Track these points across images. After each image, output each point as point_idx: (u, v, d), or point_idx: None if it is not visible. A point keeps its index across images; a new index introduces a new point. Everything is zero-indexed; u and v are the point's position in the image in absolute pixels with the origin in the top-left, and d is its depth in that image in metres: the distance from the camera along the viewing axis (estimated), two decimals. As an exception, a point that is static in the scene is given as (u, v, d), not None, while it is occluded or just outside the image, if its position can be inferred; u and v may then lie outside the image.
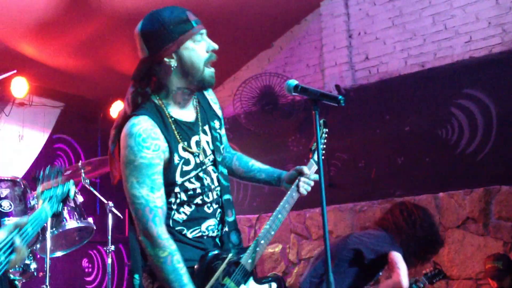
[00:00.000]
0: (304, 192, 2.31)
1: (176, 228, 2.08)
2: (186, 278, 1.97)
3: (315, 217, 5.99)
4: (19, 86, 5.37)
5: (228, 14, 5.69)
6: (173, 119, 2.09)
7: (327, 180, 6.03)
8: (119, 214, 4.41)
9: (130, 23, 5.34)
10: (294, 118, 6.11)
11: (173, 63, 2.03)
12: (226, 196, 2.20)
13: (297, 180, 2.30)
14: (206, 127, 2.20)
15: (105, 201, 4.39)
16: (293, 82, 2.22)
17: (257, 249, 2.18)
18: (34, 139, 5.79)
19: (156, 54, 2.02)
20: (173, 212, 2.08)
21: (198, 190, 2.10)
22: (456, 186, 5.24)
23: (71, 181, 2.46)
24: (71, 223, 3.98)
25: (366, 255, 3.53)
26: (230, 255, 2.10)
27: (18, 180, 3.95)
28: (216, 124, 2.26)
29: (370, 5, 6.06)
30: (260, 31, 6.31)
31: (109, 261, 4.34)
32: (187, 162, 2.09)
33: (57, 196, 2.32)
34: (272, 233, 2.22)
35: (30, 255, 3.67)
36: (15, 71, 5.23)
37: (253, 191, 6.27)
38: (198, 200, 2.10)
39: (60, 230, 3.94)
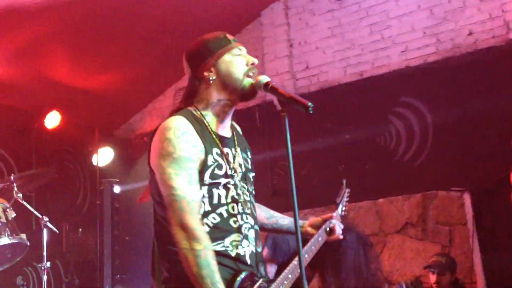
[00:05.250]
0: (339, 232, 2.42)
1: None
2: (218, 276, 1.90)
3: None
4: None
5: (171, 22, 5.61)
6: (210, 127, 2.10)
7: (271, 188, 6.04)
8: (54, 229, 4.24)
9: (65, 31, 5.25)
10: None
11: (212, 76, 2.08)
12: (256, 227, 2.16)
13: (328, 223, 2.41)
14: (239, 150, 2.18)
15: (40, 216, 4.21)
16: (265, 78, 2.06)
17: (285, 282, 2.11)
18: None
19: (197, 70, 2.11)
20: None
21: (223, 200, 2.05)
22: (395, 192, 5.35)
23: None
24: (2, 240, 3.79)
25: None
26: (261, 280, 2.02)
27: None
28: (249, 154, 2.26)
29: (310, 15, 6.13)
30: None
31: (45, 278, 4.18)
32: (219, 167, 2.06)
33: None
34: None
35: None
36: None
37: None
38: (222, 211, 2.04)
39: (-9, 247, 3.74)
